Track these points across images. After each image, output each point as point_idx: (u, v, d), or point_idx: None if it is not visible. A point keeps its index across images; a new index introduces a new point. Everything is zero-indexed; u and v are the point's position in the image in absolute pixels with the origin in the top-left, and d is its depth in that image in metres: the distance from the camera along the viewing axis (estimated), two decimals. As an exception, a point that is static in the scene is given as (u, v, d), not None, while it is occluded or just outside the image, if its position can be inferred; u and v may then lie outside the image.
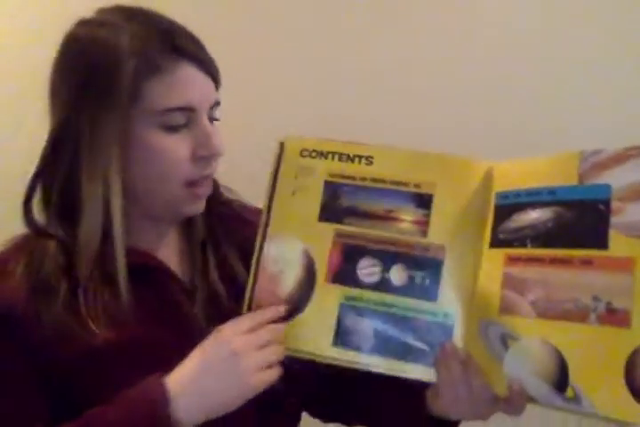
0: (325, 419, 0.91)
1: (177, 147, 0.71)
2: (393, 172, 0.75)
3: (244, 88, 1.32)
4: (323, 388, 0.85)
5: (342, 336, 0.72)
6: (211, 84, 0.74)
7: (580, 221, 0.67)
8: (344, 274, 0.73)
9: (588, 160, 0.67)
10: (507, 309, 0.69)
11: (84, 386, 0.68)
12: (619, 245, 0.64)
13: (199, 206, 0.76)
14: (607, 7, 1.46)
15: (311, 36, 1.57)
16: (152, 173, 0.72)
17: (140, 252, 0.75)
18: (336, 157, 0.76)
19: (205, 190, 0.75)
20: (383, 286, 0.73)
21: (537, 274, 0.68)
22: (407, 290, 0.72)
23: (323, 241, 0.74)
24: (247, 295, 0.74)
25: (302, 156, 0.77)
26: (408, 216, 0.74)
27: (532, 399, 0.67)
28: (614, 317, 0.62)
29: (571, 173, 0.68)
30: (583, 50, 1.47)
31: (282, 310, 0.72)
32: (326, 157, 0.76)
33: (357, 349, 0.72)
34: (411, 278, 0.72)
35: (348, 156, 0.76)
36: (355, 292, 0.73)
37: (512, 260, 0.70)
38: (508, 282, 0.69)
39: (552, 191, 0.69)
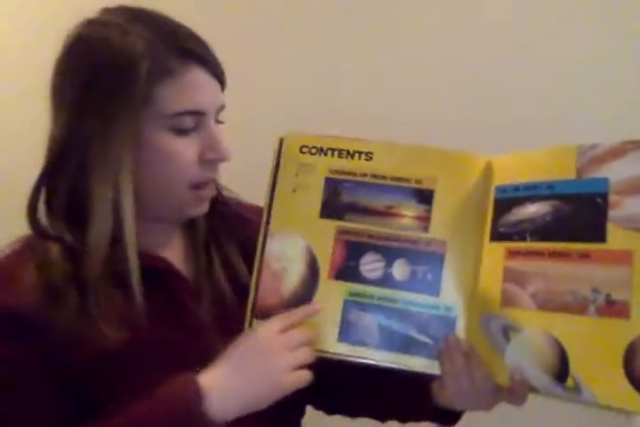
0: (330, 411, 0.91)
1: (186, 150, 0.71)
2: (393, 167, 0.75)
3: (245, 87, 1.31)
4: (327, 380, 0.85)
5: (347, 332, 0.73)
6: (218, 86, 0.74)
7: (578, 214, 0.67)
8: (347, 270, 0.74)
9: (585, 154, 0.68)
10: (508, 301, 0.70)
11: (98, 388, 0.68)
12: (617, 238, 0.64)
13: (203, 208, 0.76)
14: (607, 7, 1.46)
15: (311, 35, 1.56)
16: (160, 175, 0.71)
17: (150, 254, 0.75)
18: (336, 153, 0.76)
19: (210, 193, 0.76)
20: (386, 281, 0.73)
21: (536, 267, 0.68)
22: (410, 285, 0.73)
23: (324, 238, 0.75)
24: (251, 293, 0.75)
25: (302, 152, 0.77)
26: (409, 212, 0.74)
27: (533, 389, 0.68)
28: (613, 308, 0.63)
29: (569, 166, 0.69)
30: (583, 50, 1.46)
31: (317, 308, 0.73)
32: (326, 154, 0.76)
33: (363, 344, 0.73)
34: (413, 273, 0.73)
35: (348, 152, 0.76)
36: (358, 288, 0.74)
37: (512, 253, 0.70)
38: (509, 275, 0.70)
39: (550, 185, 0.70)
